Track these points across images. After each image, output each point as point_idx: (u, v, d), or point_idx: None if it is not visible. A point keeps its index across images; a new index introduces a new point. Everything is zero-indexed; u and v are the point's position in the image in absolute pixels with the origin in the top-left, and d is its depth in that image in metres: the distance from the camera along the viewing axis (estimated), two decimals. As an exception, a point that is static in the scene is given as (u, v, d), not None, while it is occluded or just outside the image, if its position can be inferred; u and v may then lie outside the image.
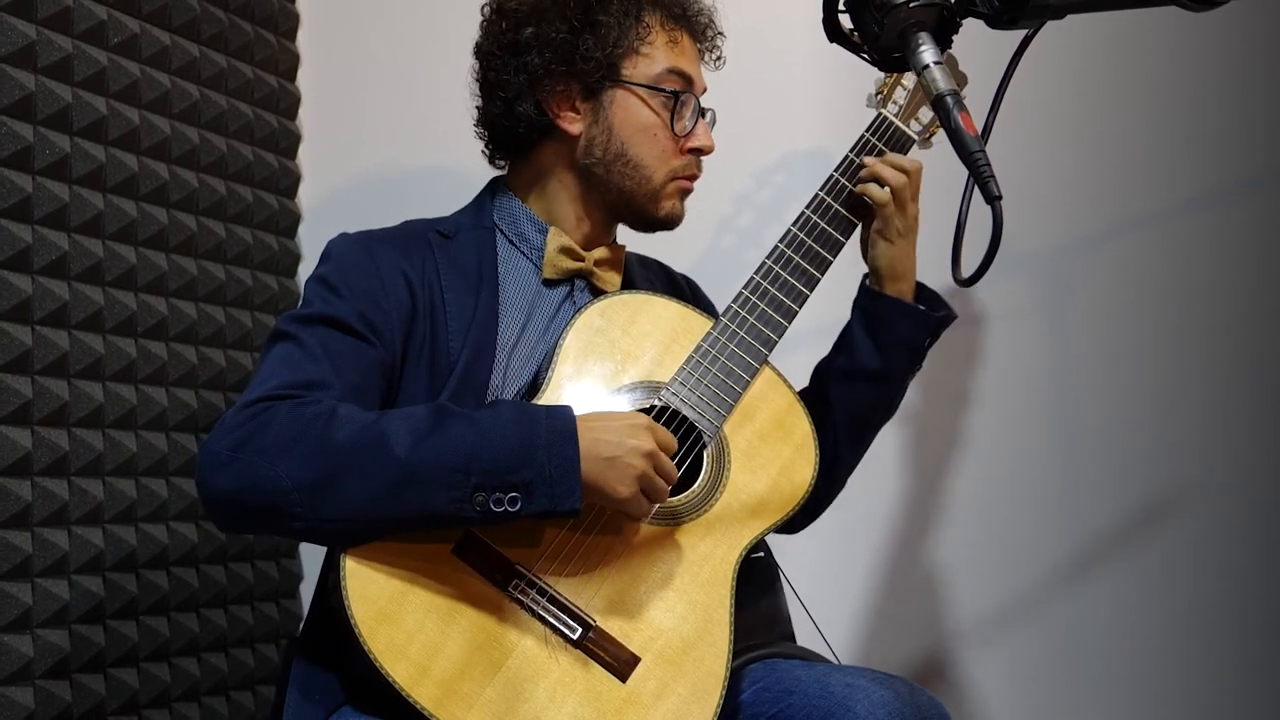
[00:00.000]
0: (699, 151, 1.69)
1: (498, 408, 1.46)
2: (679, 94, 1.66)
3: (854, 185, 1.69)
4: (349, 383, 1.50)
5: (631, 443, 1.43)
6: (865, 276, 1.76)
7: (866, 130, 1.73)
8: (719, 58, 1.76)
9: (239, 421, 1.42)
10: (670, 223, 1.71)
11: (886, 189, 1.68)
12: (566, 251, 1.68)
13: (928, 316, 1.73)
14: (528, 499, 1.40)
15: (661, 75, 1.66)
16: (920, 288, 1.75)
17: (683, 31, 1.69)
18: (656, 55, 1.66)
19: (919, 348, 1.74)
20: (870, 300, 1.74)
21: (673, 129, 1.66)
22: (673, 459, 1.52)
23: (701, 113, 1.69)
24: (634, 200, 1.68)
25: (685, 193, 1.71)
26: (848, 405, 1.74)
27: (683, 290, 1.85)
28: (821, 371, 1.79)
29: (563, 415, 1.44)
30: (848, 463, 1.78)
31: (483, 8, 1.72)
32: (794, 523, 1.76)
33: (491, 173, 1.78)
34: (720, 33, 1.76)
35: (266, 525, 1.46)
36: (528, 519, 1.41)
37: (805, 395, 1.74)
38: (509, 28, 1.68)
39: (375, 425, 1.42)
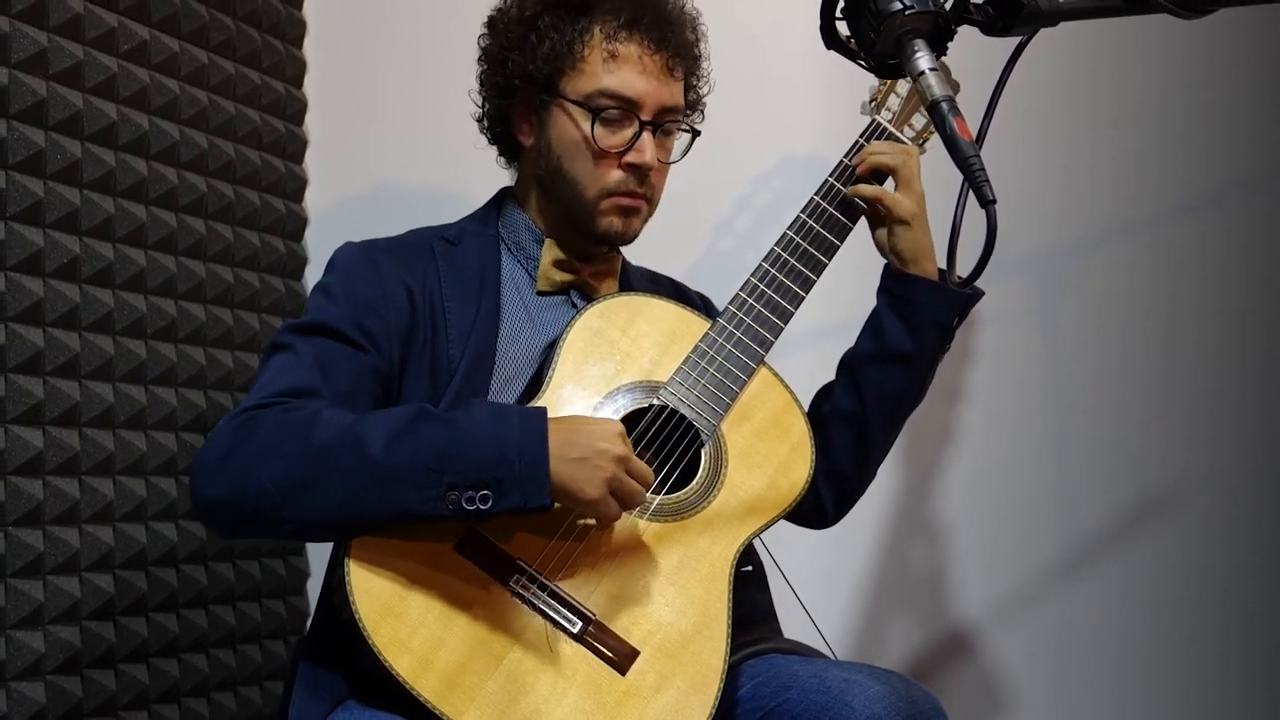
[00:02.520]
0: (638, 168, 1.63)
1: (472, 408, 1.47)
2: (600, 111, 1.61)
3: (848, 188, 1.70)
4: (340, 390, 1.52)
5: (602, 445, 1.43)
6: (886, 265, 1.75)
7: (860, 136, 1.74)
8: (693, 70, 1.70)
9: (227, 431, 1.45)
10: (611, 239, 1.67)
11: (887, 180, 1.70)
12: (560, 264, 1.69)
13: (956, 293, 1.70)
14: (499, 496, 1.41)
15: (591, 94, 1.62)
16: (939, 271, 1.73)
17: (630, 44, 1.63)
18: (592, 71, 1.62)
19: (948, 326, 1.72)
20: (896, 282, 1.72)
21: (596, 145, 1.62)
22: (670, 458, 1.54)
23: (654, 129, 1.64)
24: (573, 215, 1.67)
25: (626, 210, 1.65)
26: (879, 390, 1.72)
27: (695, 306, 1.81)
28: (849, 360, 1.77)
29: (535, 414, 1.45)
30: (879, 451, 1.77)
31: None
32: (824, 515, 1.78)
33: (495, 174, 1.80)
34: (694, 40, 1.70)
35: (260, 529, 1.47)
36: (501, 516, 1.42)
37: (832, 388, 1.75)
38: (481, 38, 1.72)
39: (353, 427, 1.43)
